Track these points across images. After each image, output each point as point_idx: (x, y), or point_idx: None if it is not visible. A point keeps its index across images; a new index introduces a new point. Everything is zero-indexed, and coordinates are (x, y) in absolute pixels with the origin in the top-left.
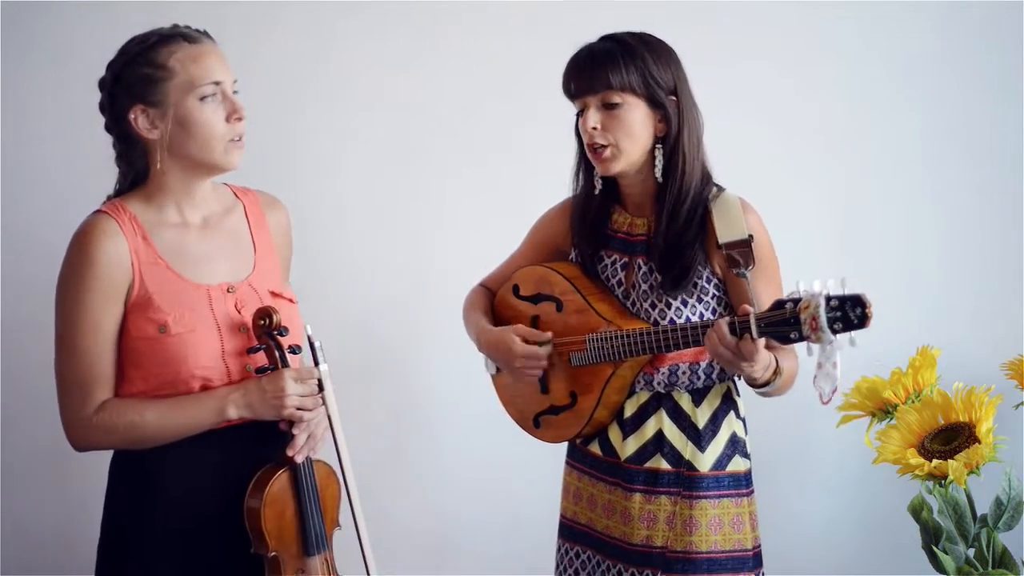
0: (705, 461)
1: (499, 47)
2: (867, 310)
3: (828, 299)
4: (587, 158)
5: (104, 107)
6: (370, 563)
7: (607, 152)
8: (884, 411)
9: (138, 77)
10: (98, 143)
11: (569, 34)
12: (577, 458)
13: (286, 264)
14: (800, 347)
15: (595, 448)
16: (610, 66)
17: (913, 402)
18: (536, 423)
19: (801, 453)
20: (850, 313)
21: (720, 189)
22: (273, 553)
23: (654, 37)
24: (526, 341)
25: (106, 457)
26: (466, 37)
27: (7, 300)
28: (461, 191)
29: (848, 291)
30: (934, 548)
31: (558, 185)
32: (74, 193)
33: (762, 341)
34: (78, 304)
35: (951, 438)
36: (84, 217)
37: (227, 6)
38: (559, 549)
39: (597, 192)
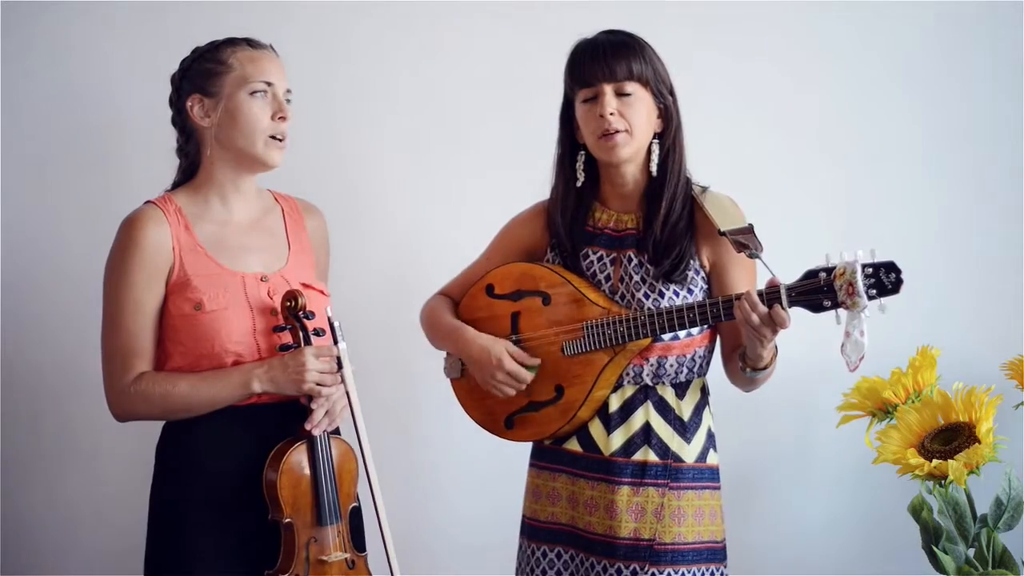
0: (691, 452)
1: (506, 47)
2: (901, 275)
3: (864, 266)
4: (572, 149)
5: (172, 101)
6: (387, 537)
7: (620, 137)
8: (884, 411)
9: (200, 71)
10: (97, 143)
11: (574, 33)
12: (548, 459)
13: (322, 266)
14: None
15: (573, 446)
16: (632, 56)
17: (913, 402)
18: (509, 423)
19: (801, 453)
20: (884, 279)
21: (703, 187)
22: (288, 520)
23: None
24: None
25: (105, 458)
26: (474, 37)
27: (7, 300)
28: (461, 191)
29: (879, 259)
30: (934, 548)
31: None
32: (74, 192)
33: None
34: (123, 284)
35: (951, 438)
36: (85, 215)
37: (234, 7)
38: (522, 549)
39: (580, 183)
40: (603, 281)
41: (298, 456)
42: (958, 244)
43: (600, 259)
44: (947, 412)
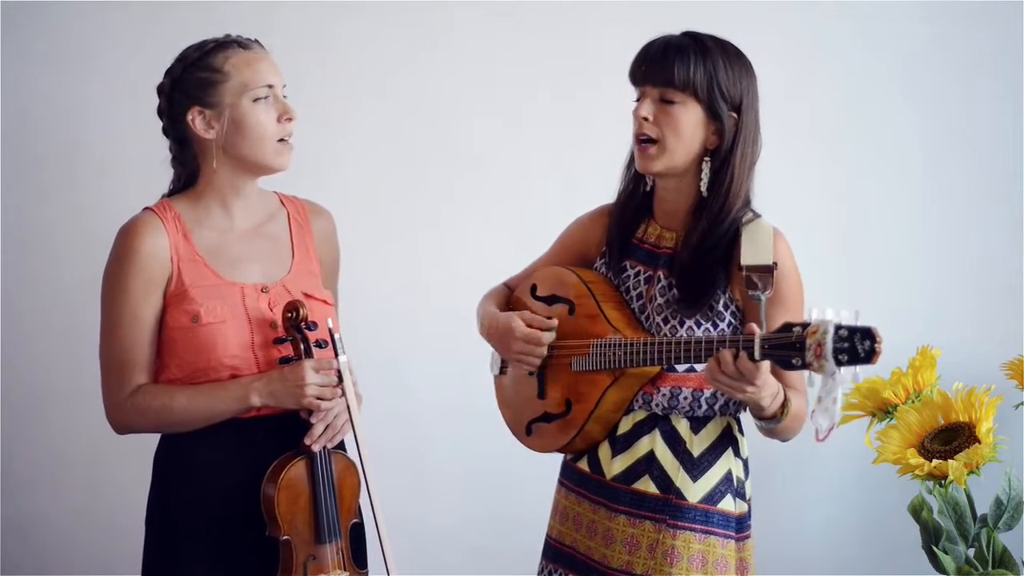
0: (695, 492)
1: (499, 47)
2: (876, 345)
3: (837, 328)
4: None
5: (162, 111)
6: (388, 554)
7: (652, 148)
8: (884, 411)
9: (196, 81)
10: (96, 143)
11: (569, 34)
12: (566, 475)
13: (330, 269)
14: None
15: (583, 465)
16: (678, 61)
17: (913, 402)
18: (528, 430)
19: (801, 453)
20: (858, 345)
21: (756, 215)
22: (286, 537)
23: (736, 48)
24: (530, 326)
25: (104, 459)
26: (465, 38)
27: (8, 300)
28: (459, 193)
29: (860, 323)
30: (934, 548)
31: (558, 187)
32: (74, 193)
33: (766, 365)
34: (120, 294)
35: (951, 438)
36: (86, 216)
37: (223, 7)
38: (540, 570)
39: (649, 189)
40: (635, 298)
41: (297, 471)
42: (958, 244)
43: (637, 274)
44: (947, 412)
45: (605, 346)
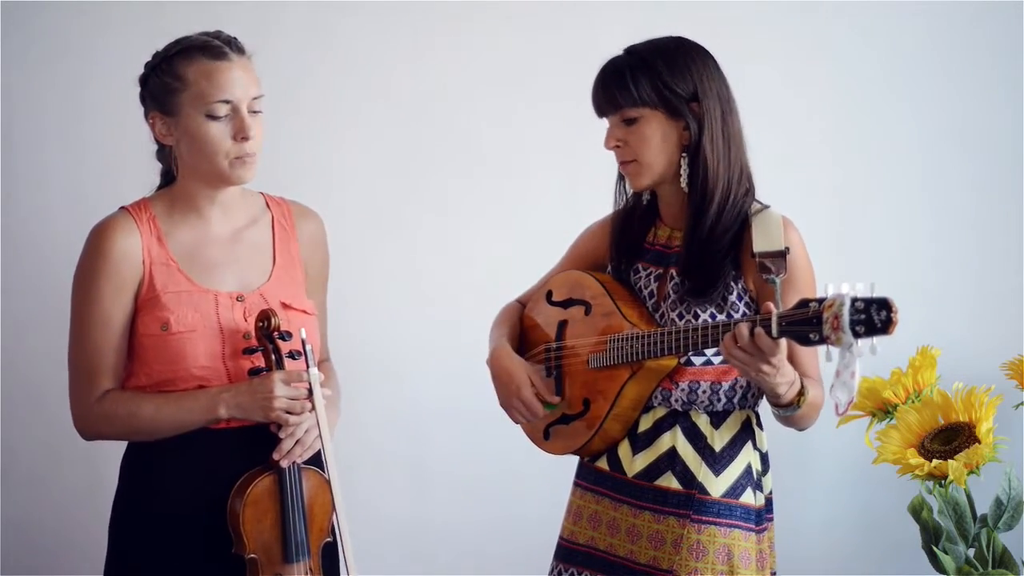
0: (718, 486)
1: (500, 46)
2: (892, 314)
3: (854, 300)
4: None
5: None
6: (351, 572)
7: (631, 167)
8: (884, 411)
9: (158, 85)
10: (97, 143)
11: (570, 33)
12: (582, 476)
13: (318, 274)
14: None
15: (602, 464)
16: (617, 85)
17: (913, 402)
18: (547, 434)
19: (801, 453)
20: (874, 316)
21: (764, 206)
22: (251, 555)
23: (676, 42)
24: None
25: (105, 458)
26: (466, 36)
27: (7, 300)
28: (458, 193)
29: (876, 295)
30: (934, 548)
31: (559, 187)
32: (74, 192)
33: (783, 347)
34: (89, 296)
35: (951, 438)
36: (85, 215)
37: (222, 5)
38: (551, 570)
39: (645, 202)
40: (647, 298)
41: (264, 487)
42: (958, 244)
43: (648, 275)
44: (947, 412)
45: (622, 339)
